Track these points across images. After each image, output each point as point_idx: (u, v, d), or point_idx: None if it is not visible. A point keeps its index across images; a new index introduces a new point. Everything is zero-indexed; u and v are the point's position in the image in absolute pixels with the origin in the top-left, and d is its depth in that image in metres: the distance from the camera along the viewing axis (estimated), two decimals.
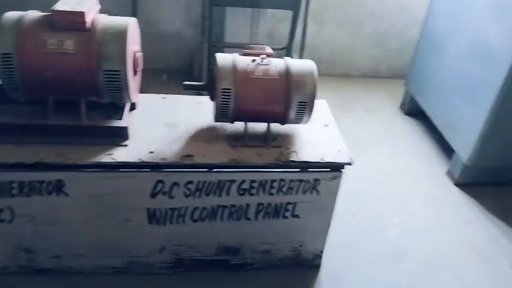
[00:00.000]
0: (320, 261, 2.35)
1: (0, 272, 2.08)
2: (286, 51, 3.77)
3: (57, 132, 1.86)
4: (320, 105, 2.40)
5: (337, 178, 2.05)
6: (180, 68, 4.05)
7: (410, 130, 3.67)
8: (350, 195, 2.83)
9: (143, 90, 3.54)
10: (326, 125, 2.26)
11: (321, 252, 2.32)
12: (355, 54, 4.32)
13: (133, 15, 3.54)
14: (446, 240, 2.63)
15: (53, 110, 1.84)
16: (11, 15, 1.74)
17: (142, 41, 3.75)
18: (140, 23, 3.65)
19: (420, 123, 3.73)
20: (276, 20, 3.93)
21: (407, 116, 3.84)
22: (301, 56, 3.60)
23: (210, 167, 1.92)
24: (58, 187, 1.86)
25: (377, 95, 4.17)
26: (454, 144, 3.09)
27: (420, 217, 2.79)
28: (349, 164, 2.02)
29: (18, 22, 1.70)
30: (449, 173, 3.15)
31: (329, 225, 2.21)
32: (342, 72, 4.38)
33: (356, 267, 2.40)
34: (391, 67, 4.45)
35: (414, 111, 3.79)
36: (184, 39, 4.00)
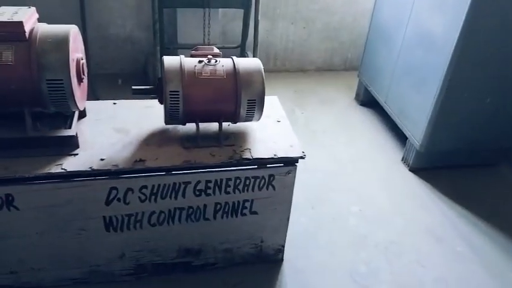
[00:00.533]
0: (282, 255, 2.39)
1: None
2: (240, 49, 3.80)
3: (4, 146, 1.81)
4: (272, 101, 2.43)
5: (291, 172, 2.09)
6: (135, 72, 4.00)
7: (364, 120, 3.78)
8: (309, 188, 2.90)
9: (98, 96, 3.53)
10: (278, 121, 2.29)
11: (283, 246, 2.36)
12: (309, 48, 4.39)
13: (82, 20, 3.49)
14: (404, 225, 2.73)
15: None
16: None
17: (93, 46, 3.70)
18: (90, 27, 3.63)
19: (374, 113, 3.84)
20: (228, 19, 3.95)
21: (361, 107, 3.95)
22: (254, 53, 3.63)
23: (163, 170, 1.92)
24: (8, 201, 1.81)
25: (332, 87, 4.26)
26: (407, 132, 3.20)
27: (377, 204, 2.88)
28: (302, 157, 2.06)
29: None
30: (404, 160, 3.27)
31: (287, 219, 2.25)
32: (297, 67, 4.45)
33: (318, 257, 2.45)
34: (344, 59, 4.55)
35: (368, 101, 3.90)
36: (136, 42, 3.96)
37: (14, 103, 1.78)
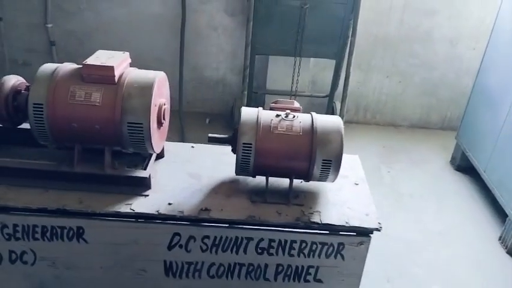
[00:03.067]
0: None
1: None
2: (328, 99, 3.73)
3: (82, 180, 1.91)
4: (352, 160, 2.29)
5: (364, 244, 1.91)
6: (223, 113, 4.11)
7: (459, 187, 3.43)
8: (387, 258, 2.66)
9: (184, 133, 3.66)
10: (356, 184, 2.14)
11: None
12: (403, 103, 4.17)
13: (181, 62, 3.69)
14: None
15: (79, 157, 1.90)
16: (47, 67, 1.84)
17: (187, 86, 3.88)
18: (187, 69, 3.82)
19: (471, 181, 3.47)
20: (319, 68, 3.92)
21: (457, 172, 3.60)
22: (342, 104, 3.53)
23: (227, 222, 1.87)
24: (78, 234, 1.88)
25: (425, 146, 3.96)
26: (508, 208, 2.82)
27: (464, 286, 2.53)
28: (377, 230, 1.88)
29: (52, 74, 1.79)
30: (502, 240, 2.87)
31: None
32: (388, 122, 4.23)
33: None
34: (442, 118, 4.24)
35: (465, 166, 3.55)
36: (228, 85, 4.08)
37: (97, 141, 1.87)
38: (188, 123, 3.77)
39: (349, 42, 3.39)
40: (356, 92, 4.02)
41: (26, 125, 2.06)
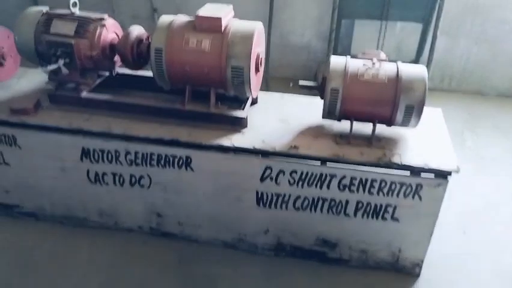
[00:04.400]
0: (420, 271, 2.33)
1: (136, 230, 2.53)
2: None
3: (191, 117, 2.23)
4: (435, 113, 2.39)
5: (441, 185, 2.03)
6: (306, 78, 4.18)
7: None
8: (464, 212, 2.73)
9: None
10: (437, 133, 2.25)
11: (422, 261, 2.30)
12: (492, 72, 4.06)
13: (269, 28, 3.92)
14: None
15: (189, 98, 2.21)
16: (165, 18, 2.17)
17: (274, 52, 4.08)
18: (273, 34, 4.04)
19: None
20: (406, 33, 3.93)
21: None
22: (428, 71, 3.54)
23: (313, 158, 2.09)
24: (187, 162, 2.22)
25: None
26: None
27: None
28: (456, 171, 1.99)
29: (170, 24, 2.11)
30: None
31: (431, 234, 2.19)
32: (475, 90, 4.15)
33: (462, 286, 2.30)
34: None
35: None
36: (312, 52, 4.24)
37: (204, 83, 2.17)
38: (273, 87, 4.00)
39: (437, 6, 3.39)
40: (443, 59, 3.99)
41: (143, 73, 2.44)
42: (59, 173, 2.39)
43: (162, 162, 2.23)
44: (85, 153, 2.29)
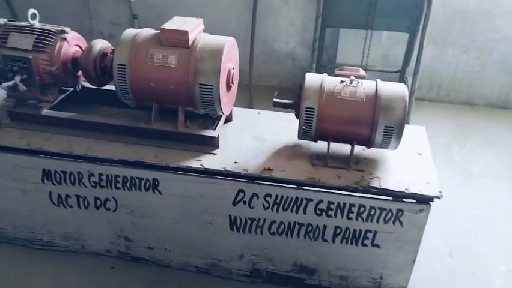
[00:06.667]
0: None
1: (103, 254, 2.39)
2: (400, 74, 3.66)
3: (158, 136, 2.09)
4: (418, 132, 2.28)
5: (424, 211, 1.91)
6: (292, 87, 4.17)
7: None
8: (450, 233, 2.61)
9: (253, 105, 3.77)
10: (420, 154, 2.13)
11: None
12: (481, 81, 3.95)
13: (252, 35, 3.80)
14: None
15: (156, 116, 2.08)
16: (129, 32, 2.03)
17: (258, 59, 3.97)
18: (257, 42, 3.91)
19: None
20: (393, 42, 3.82)
21: None
22: (414, 80, 3.44)
23: (288, 182, 1.96)
24: (154, 185, 2.08)
25: (502, 127, 3.75)
26: None
27: None
28: (438, 197, 1.88)
29: (134, 38, 1.97)
30: None
31: (413, 261, 2.07)
32: (464, 100, 4.04)
33: None
34: None
35: None
36: (297, 59, 4.12)
37: (171, 100, 2.03)
38: (257, 97, 3.88)
39: (424, 14, 3.27)
40: (431, 68, 3.88)
41: (110, 87, 2.29)
42: (21, 194, 2.24)
43: (128, 184, 2.09)
44: (46, 174, 2.14)
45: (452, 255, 2.51)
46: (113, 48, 2.13)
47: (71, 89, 2.31)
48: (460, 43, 3.81)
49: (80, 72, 2.19)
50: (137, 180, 2.08)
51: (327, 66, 3.66)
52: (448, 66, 3.92)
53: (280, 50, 4.09)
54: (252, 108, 3.74)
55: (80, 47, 2.17)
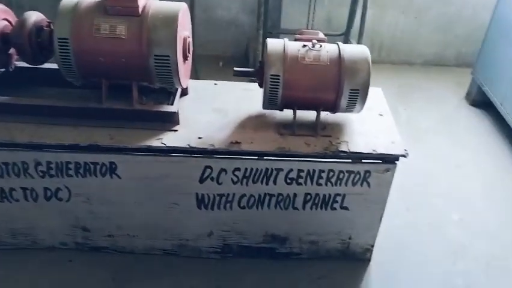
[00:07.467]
0: (370, 255, 2.26)
1: (58, 247, 2.20)
2: (344, 37, 3.66)
3: (111, 116, 1.92)
4: (375, 93, 2.29)
5: (390, 171, 1.95)
6: (236, 55, 4.05)
7: (475, 122, 3.43)
8: (406, 189, 2.70)
9: (199, 76, 3.62)
10: (381, 115, 2.15)
11: (372, 246, 2.23)
12: (418, 40, 4.09)
13: (191, 1, 3.58)
14: (511, 241, 2.44)
15: (107, 94, 1.90)
16: (68, 1, 1.80)
17: (198, 28, 3.76)
18: (197, 9, 3.70)
19: (487, 115, 3.47)
20: (335, 4, 3.81)
21: (473, 107, 3.60)
22: (359, 42, 3.46)
23: (257, 154, 1.90)
24: (111, 169, 1.92)
25: (440, 84, 3.93)
26: None
27: (482, 215, 2.60)
28: (403, 156, 1.92)
29: (74, 8, 1.76)
30: None
31: (380, 219, 2.12)
32: (404, 60, 4.17)
33: (409, 263, 2.29)
34: (457, 54, 4.17)
35: (481, 101, 3.54)
36: (240, 26, 3.99)
37: (123, 76, 1.86)
38: (201, 67, 3.72)
39: None
40: (371, 29, 3.93)
41: (49, 65, 2.06)
42: None
43: (81, 171, 1.92)
44: None
45: (410, 209, 2.62)
46: (49, 21, 1.89)
47: (3, 69, 2.04)
48: (398, 3, 3.89)
49: (12, 50, 1.92)
50: (91, 166, 1.91)
51: (273, 32, 3.58)
52: (388, 27, 4.00)
53: (223, 17, 3.93)
54: (198, 79, 3.59)
55: (8, 21, 1.91)
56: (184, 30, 1.88)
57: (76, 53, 1.76)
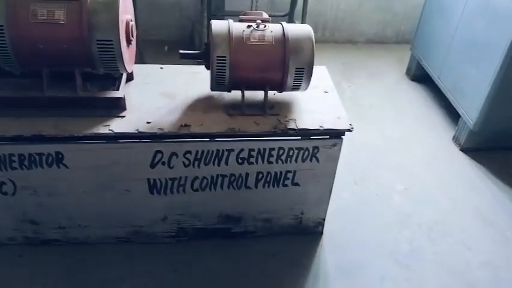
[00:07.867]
0: (322, 228, 2.36)
1: (6, 243, 2.13)
2: (288, 18, 3.70)
3: (54, 105, 1.86)
4: (320, 71, 2.36)
5: (337, 145, 2.03)
6: (181, 39, 4.00)
7: (415, 96, 3.62)
8: (353, 163, 2.82)
9: (145, 62, 3.55)
10: (326, 92, 2.22)
11: (323, 219, 2.32)
12: (360, 19, 4.22)
13: None
14: (451, 206, 2.62)
15: (49, 82, 1.83)
16: None
17: (142, 13, 3.69)
18: None
19: (426, 89, 3.66)
20: None
21: (412, 82, 3.78)
22: (303, 22, 3.52)
23: (207, 136, 1.91)
24: (58, 159, 1.87)
25: (382, 61, 4.09)
26: (460, 109, 3.03)
27: (424, 183, 2.77)
28: (349, 130, 1.99)
29: None
30: (455, 139, 3.11)
31: (330, 193, 2.21)
32: (346, 38, 4.29)
33: (359, 233, 2.41)
34: (397, 32, 4.35)
35: (420, 76, 3.72)
36: (184, 9, 3.93)
37: (65, 63, 1.80)
38: (146, 52, 3.64)
39: None
40: (314, 9, 4.00)
41: None
42: None
43: (26, 163, 1.85)
44: None
45: (357, 182, 2.74)
46: None
47: None
48: None
49: None
50: (36, 157, 1.85)
51: (217, 14, 3.55)
52: (331, 7, 4.09)
53: (166, 1, 3.85)
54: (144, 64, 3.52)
55: None
56: (126, 13, 1.84)
57: (12, 41, 1.68)
